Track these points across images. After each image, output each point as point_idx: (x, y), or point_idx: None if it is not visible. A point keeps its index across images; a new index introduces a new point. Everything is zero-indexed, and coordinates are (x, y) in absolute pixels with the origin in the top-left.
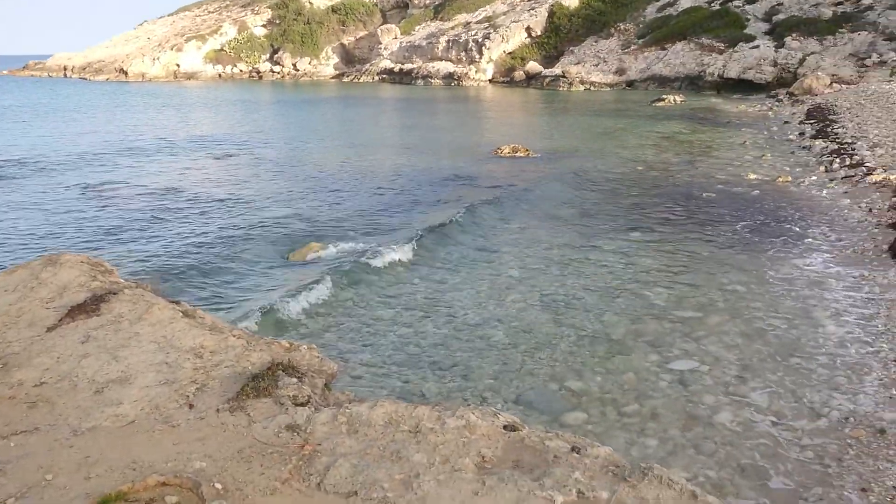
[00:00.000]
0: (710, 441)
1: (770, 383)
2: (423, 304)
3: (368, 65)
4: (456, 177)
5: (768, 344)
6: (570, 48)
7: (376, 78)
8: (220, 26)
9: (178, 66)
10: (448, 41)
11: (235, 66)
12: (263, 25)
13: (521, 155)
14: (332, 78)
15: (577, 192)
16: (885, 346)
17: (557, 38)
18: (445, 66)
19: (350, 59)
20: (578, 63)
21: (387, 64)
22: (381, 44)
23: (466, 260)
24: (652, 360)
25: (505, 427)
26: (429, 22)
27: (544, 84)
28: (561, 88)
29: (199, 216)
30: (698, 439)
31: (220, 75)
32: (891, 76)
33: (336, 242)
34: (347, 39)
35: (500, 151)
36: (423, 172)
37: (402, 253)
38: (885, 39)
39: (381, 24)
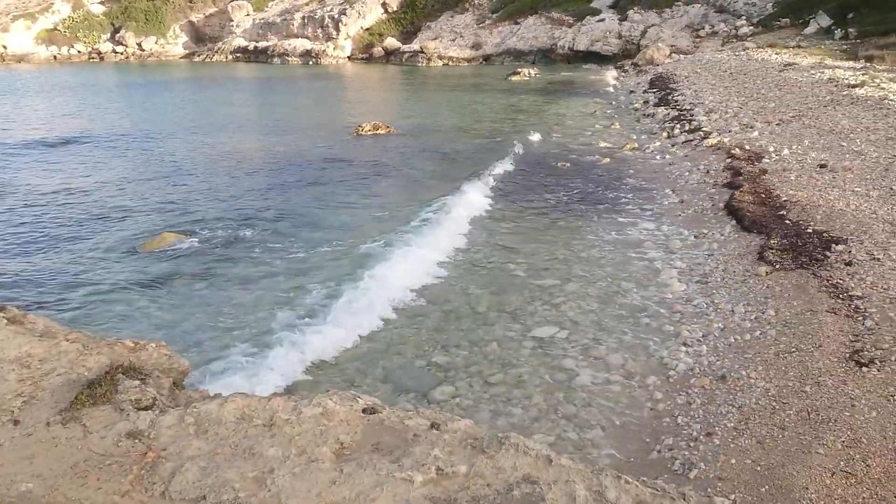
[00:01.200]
0: (571, 404)
1: (624, 344)
2: (284, 288)
3: (221, 43)
4: (316, 158)
5: (621, 306)
6: (427, 24)
7: (230, 57)
8: (52, 3)
9: (4, 47)
10: (304, 17)
11: (72, 46)
12: (101, 2)
13: (383, 132)
14: (182, 58)
15: (439, 165)
16: (723, 297)
17: (414, 13)
18: (302, 44)
19: (201, 37)
20: (436, 38)
21: (240, 42)
22: (232, 21)
23: (325, 241)
24: (515, 330)
25: (364, 410)
26: None
27: (403, 60)
28: (420, 64)
29: (35, 212)
30: (560, 403)
31: (55, 57)
32: (722, 45)
33: (191, 231)
34: (196, 17)
35: (361, 129)
36: (281, 155)
37: (258, 237)
38: (716, 11)
39: (232, 1)
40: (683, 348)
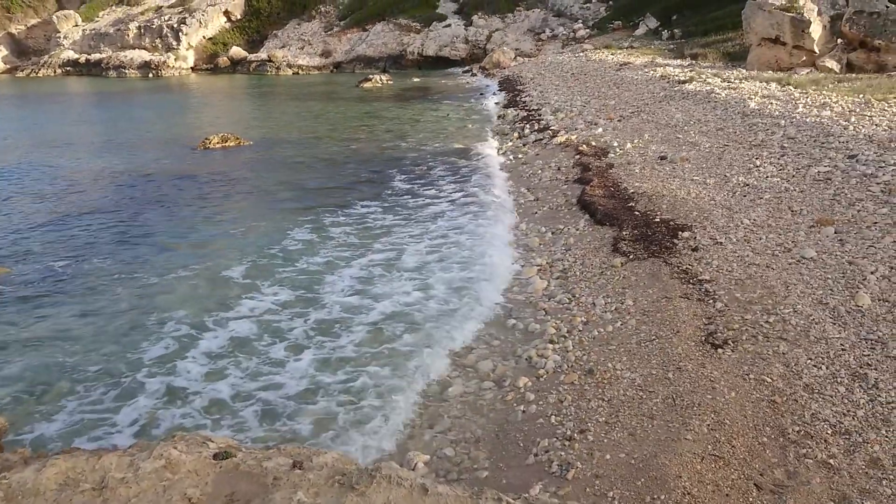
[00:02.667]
0: (445, 417)
1: (494, 349)
2: (126, 310)
3: (47, 56)
4: (161, 175)
5: (489, 308)
6: (274, 32)
7: (59, 71)
8: None
9: None
10: (140, 27)
11: None
12: None
13: (233, 145)
14: (3, 73)
15: (294, 176)
16: (584, 290)
17: (259, 21)
18: (140, 55)
19: (23, 50)
20: (284, 46)
21: (70, 55)
22: (59, 32)
23: (175, 259)
24: (379, 341)
25: (216, 456)
26: (114, 7)
27: (251, 69)
28: (269, 73)
29: None
30: (434, 418)
31: None
32: (563, 48)
33: (15, 263)
34: (17, 28)
35: (208, 143)
36: (121, 174)
37: (96, 265)
38: (554, 16)
39: (57, 11)
40: (550, 346)
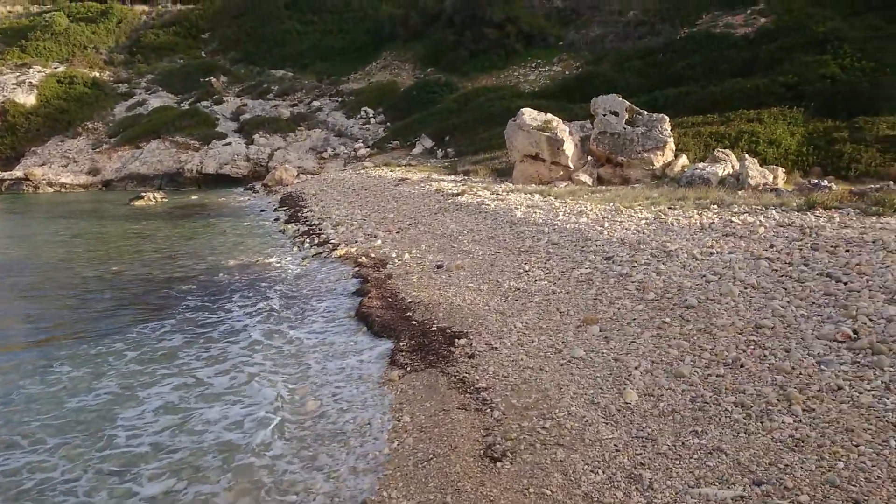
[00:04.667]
0: None
1: (255, 484)
2: None
3: None
4: None
5: (262, 445)
6: (33, 149)
7: None
8: None
9: None
10: None
11: None
12: None
13: None
14: None
15: (41, 305)
16: (359, 409)
17: (15, 138)
18: None
19: None
20: (44, 164)
21: None
22: None
23: None
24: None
25: None
26: None
27: (3, 188)
28: (25, 192)
29: None
30: None
31: None
32: (345, 165)
33: None
34: None
35: None
36: None
37: None
38: (336, 135)
39: None
40: (321, 476)
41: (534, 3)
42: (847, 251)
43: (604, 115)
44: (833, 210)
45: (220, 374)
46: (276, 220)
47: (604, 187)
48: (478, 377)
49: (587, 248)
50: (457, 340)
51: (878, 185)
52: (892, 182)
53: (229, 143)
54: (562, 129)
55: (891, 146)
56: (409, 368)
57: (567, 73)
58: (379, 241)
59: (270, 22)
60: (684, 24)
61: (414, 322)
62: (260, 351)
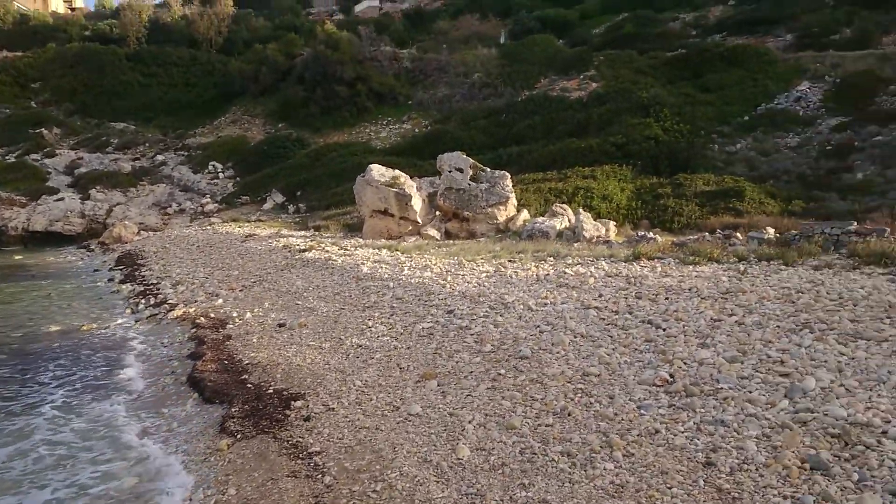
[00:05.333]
0: None
1: None
2: None
3: None
4: None
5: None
6: None
7: None
8: None
9: None
10: None
11: None
12: None
13: None
14: None
15: None
16: (180, 485)
17: None
18: None
19: None
20: None
21: None
22: None
23: None
24: None
25: None
26: None
27: None
28: None
29: None
30: None
31: None
32: (191, 221)
33: None
34: None
35: None
36: None
37: None
38: (181, 190)
39: None
40: None
41: (384, 63)
42: (666, 299)
43: (449, 172)
44: (656, 260)
45: (18, 457)
46: (111, 280)
47: (451, 241)
48: (311, 441)
49: (430, 303)
50: (293, 402)
51: (696, 237)
52: (707, 234)
53: (62, 199)
54: (409, 184)
55: (707, 200)
56: (239, 436)
57: (417, 130)
58: (220, 300)
59: (110, 73)
60: (524, 87)
61: (249, 385)
62: (65, 427)
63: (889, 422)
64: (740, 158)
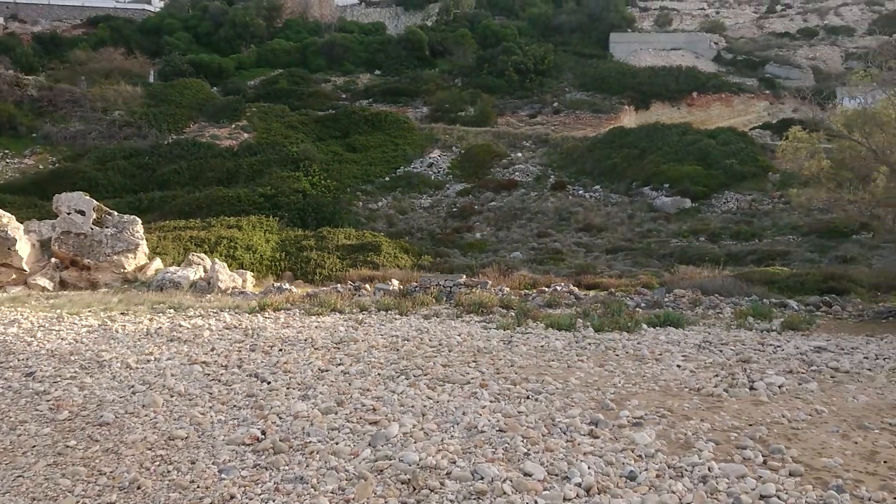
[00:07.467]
0: None
1: None
2: None
3: None
4: None
5: None
6: None
7: None
8: None
9: None
10: None
11: None
12: None
13: None
14: None
15: None
16: None
17: None
18: None
19: None
20: None
21: None
22: None
23: None
24: None
25: None
26: None
27: None
28: None
29: None
30: None
31: None
32: None
33: None
34: None
35: None
36: None
37: None
38: None
39: None
40: None
41: (2, 88)
42: (280, 350)
43: (68, 214)
44: (282, 311)
45: None
46: None
47: (66, 292)
48: None
49: (6, 364)
50: None
51: (329, 288)
52: (339, 285)
53: None
54: (15, 226)
55: (347, 254)
56: None
57: (41, 166)
58: None
59: None
60: (172, 130)
61: None
62: None
63: (454, 462)
64: (382, 215)
